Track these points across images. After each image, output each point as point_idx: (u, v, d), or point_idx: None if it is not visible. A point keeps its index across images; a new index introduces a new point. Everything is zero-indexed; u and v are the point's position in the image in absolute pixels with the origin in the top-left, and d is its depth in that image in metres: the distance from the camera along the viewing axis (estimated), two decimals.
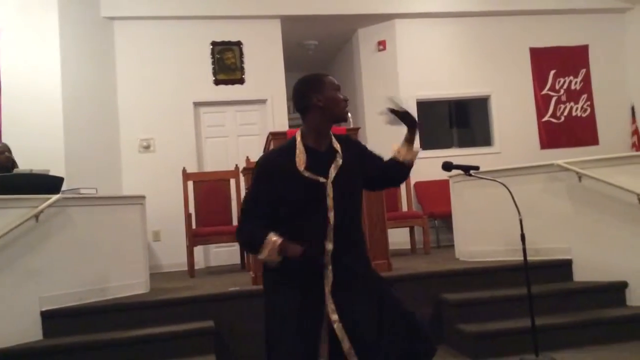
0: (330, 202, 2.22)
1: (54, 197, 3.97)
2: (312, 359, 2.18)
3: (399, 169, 2.48)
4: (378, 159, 2.49)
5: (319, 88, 2.29)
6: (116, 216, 4.51)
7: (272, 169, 2.26)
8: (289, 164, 2.23)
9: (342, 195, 2.25)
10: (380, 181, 2.53)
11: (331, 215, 2.22)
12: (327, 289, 2.20)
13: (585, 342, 3.95)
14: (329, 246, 2.21)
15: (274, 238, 2.16)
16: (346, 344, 2.17)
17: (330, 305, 2.19)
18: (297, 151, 2.26)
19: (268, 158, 2.33)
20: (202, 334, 3.85)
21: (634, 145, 7.94)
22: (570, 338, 3.95)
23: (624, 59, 8.19)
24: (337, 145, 2.33)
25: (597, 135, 8.04)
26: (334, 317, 2.18)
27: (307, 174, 2.22)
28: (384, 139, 8.28)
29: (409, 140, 2.48)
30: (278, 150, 2.34)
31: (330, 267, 2.21)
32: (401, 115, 2.43)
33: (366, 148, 2.48)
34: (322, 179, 2.23)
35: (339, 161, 2.28)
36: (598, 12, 8.07)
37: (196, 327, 3.88)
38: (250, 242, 2.30)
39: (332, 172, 2.26)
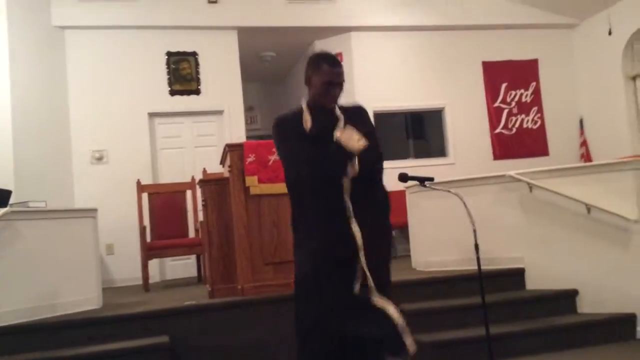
0: (340, 159, 2.38)
1: (1, 210, 3.84)
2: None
3: None
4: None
5: (314, 70, 2.50)
6: (67, 230, 4.37)
7: (285, 129, 2.49)
8: (298, 125, 2.45)
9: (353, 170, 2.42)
10: None
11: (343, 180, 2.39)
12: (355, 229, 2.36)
13: (539, 349, 4.03)
14: (348, 203, 2.38)
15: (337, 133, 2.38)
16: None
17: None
18: (305, 115, 2.48)
19: (282, 120, 2.53)
20: (156, 350, 3.75)
21: (582, 156, 8.22)
22: (524, 345, 4.02)
23: (573, 73, 8.49)
24: (340, 114, 2.52)
25: (547, 146, 8.30)
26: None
27: (315, 135, 2.43)
28: None
29: None
30: (289, 113, 2.55)
31: (354, 225, 2.35)
32: None
33: (372, 133, 2.56)
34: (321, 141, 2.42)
35: (341, 124, 2.47)
36: (548, 27, 8.36)
37: (150, 343, 3.78)
38: (331, 158, 2.41)
39: (336, 134, 2.43)
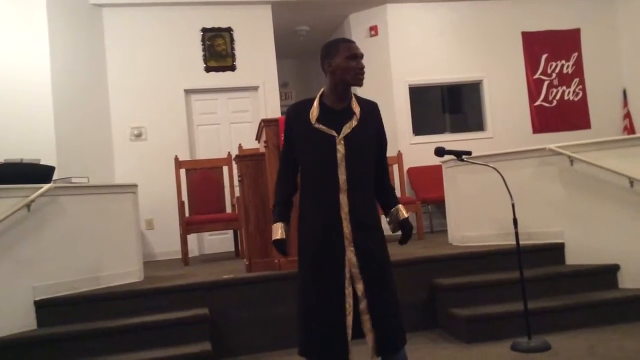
0: (340, 157, 2.34)
1: (46, 186, 3.95)
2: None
3: (381, 194, 2.57)
4: (382, 154, 2.54)
5: (331, 54, 2.42)
6: (108, 205, 4.48)
7: (292, 118, 2.46)
8: (305, 116, 2.41)
9: (353, 153, 2.35)
10: None
11: (341, 170, 2.34)
12: (347, 241, 2.35)
13: (578, 324, 3.98)
14: (344, 200, 2.34)
15: (279, 232, 2.50)
16: (360, 288, 2.36)
17: (350, 251, 2.35)
18: (314, 105, 2.43)
19: (293, 107, 2.51)
20: (197, 322, 3.86)
21: (625, 128, 7.97)
22: (563, 321, 3.98)
23: (616, 42, 8.19)
24: (356, 108, 2.42)
25: (589, 119, 8.06)
26: (353, 260, 2.35)
27: (317, 125, 2.37)
28: None
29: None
30: (304, 101, 2.50)
31: (347, 222, 2.34)
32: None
33: (383, 132, 2.53)
34: (333, 133, 2.35)
35: (354, 122, 2.38)
36: None
37: (191, 315, 3.88)
38: (273, 210, 2.59)
39: (346, 129, 2.36)
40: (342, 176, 2.34)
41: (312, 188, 2.40)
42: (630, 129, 7.91)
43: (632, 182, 4.21)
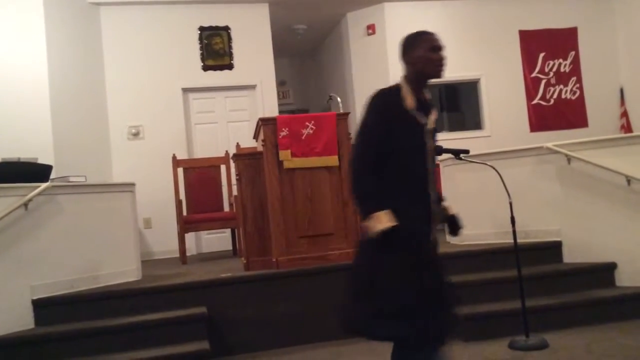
0: (428, 148, 2.35)
1: (43, 185, 3.94)
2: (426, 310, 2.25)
3: None
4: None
5: (412, 46, 2.41)
6: (106, 204, 4.48)
7: (383, 105, 2.34)
8: (398, 103, 2.34)
9: (433, 146, 2.40)
10: None
11: (428, 161, 2.35)
12: (432, 232, 2.37)
13: (576, 322, 3.99)
14: (432, 194, 2.35)
15: (387, 219, 2.21)
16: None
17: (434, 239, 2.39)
18: (404, 92, 2.36)
19: (381, 95, 2.38)
20: (195, 321, 3.86)
21: (622, 127, 7.98)
22: (561, 319, 4.00)
23: (613, 41, 8.20)
24: (429, 95, 2.45)
25: (587, 117, 8.08)
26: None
27: (414, 113, 2.34)
28: None
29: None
30: (388, 90, 2.41)
31: (433, 214, 2.35)
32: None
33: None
34: (425, 121, 2.36)
35: (436, 113, 2.43)
36: None
37: (189, 314, 3.89)
38: (363, 200, 2.31)
39: (431, 120, 2.39)
40: (429, 167, 2.36)
41: (404, 176, 2.33)
42: (627, 127, 7.92)
43: (629, 180, 4.23)
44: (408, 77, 2.41)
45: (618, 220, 4.35)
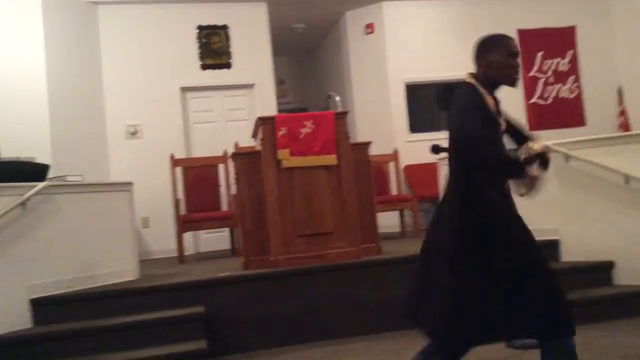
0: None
1: (41, 184, 3.94)
2: None
3: None
4: None
5: (490, 49, 2.40)
6: (104, 203, 4.48)
7: (477, 102, 2.33)
8: (484, 102, 2.34)
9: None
10: None
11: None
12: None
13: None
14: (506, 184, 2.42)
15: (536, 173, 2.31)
16: None
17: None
18: (483, 94, 2.36)
19: (473, 92, 2.37)
20: (193, 320, 3.85)
21: (620, 126, 7.98)
22: None
23: (612, 40, 8.21)
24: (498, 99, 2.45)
25: (585, 116, 8.09)
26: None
27: (495, 114, 2.37)
28: (372, 123, 8.31)
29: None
30: (467, 90, 2.39)
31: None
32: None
33: None
34: (502, 124, 2.41)
35: (504, 115, 2.46)
36: None
37: (186, 313, 3.88)
38: (511, 165, 2.33)
39: (502, 125, 2.42)
40: None
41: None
42: (625, 126, 7.92)
43: (627, 179, 4.23)
44: (480, 79, 2.39)
45: (616, 218, 4.35)
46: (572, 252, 4.55)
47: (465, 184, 2.37)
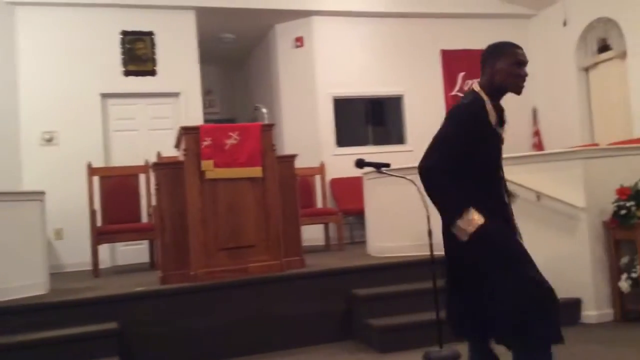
0: (501, 157, 2.47)
1: None
2: None
3: None
4: None
5: (497, 56, 2.40)
6: (13, 213, 4.23)
7: (472, 119, 2.33)
8: (483, 117, 2.36)
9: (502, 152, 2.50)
10: None
11: (501, 170, 2.47)
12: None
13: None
14: (507, 199, 2.49)
15: (476, 217, 2.25)
16: None
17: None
18: (487, 106, 2.38)
19: (470, 109, 2.37)
20: (105, 336, 3.70)
21: (535, 145, 8.39)
22: None
23: (528, 63, 8.59)
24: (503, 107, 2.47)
25: None
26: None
27: (497, 128, 2.41)
28: (299, 136, 8.31)
29: None
30: (473, 101, 2.40)
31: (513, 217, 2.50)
32: None
33: None
34: (502, 133, 2.45)
35: (505, 121, 2.48)
36: (505, 17, 8.46)
37: (98, 330, 3.71)
38: (446, 199, 2.33)
39: (502, 131, 2.46)
40: (502, 174, 2.47)
41: (486, 185, 2.39)
42: (539, 145, 8.33)
43: (538, 196, 4.42)
44: (485, 87, 2.41)
45: (528, 234, 4.49)
46: None
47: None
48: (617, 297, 4.32)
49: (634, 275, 4.19)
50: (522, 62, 2.41)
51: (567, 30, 7.56)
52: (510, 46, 2.44)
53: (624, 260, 4.32)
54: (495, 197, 2.44)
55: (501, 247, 2.36)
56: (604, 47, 7.51)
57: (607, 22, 7.35)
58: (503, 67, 2.38)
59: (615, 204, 4.29)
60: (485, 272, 2.37)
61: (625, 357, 3.63)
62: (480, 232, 2.28)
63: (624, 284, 4.23)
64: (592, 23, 7.52)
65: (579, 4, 7.54)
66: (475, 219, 2.26)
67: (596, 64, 7.63)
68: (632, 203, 4.21)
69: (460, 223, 2.28)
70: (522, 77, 2.41)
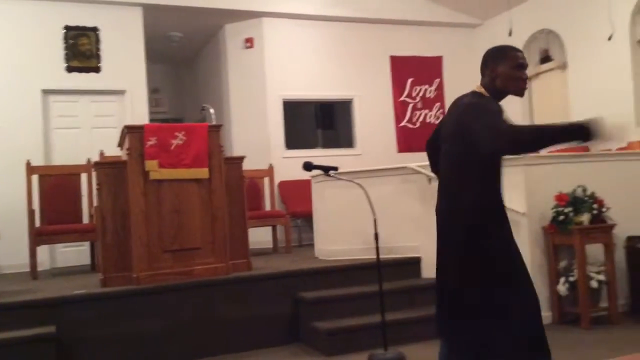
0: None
1: None
2: None
3: None
4: None
5: (497, 59, 2.40)
6: None
7: (500, 109, 2.30)
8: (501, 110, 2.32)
9: None
10: None
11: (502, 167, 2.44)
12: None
13: (432, 335, 4.12)
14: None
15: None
16: None
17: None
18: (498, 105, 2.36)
19: (493, 101, 2.37)
20: (41, 341, 3.55)
21: None
22: (418, 332, 4.14)
23: (474, 71, 8.67)
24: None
25: None
26: None
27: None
28: (248, 138, 8.25)
29: None
30: (487, 98, 2.39)
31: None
32: None
33: None
34: None
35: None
36: (453, 25, 8.67)
37: (34, 334, 3.57)
38: (546, 132, 2.18)
39: None
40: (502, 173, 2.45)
41: (494, 184, 2.42)
42: None
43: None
44: (487, 89, 2.41)
45: None
46: (432, 269, 4.72)
47: (470, 219, 2.39)
48: (555, 300, 4.48)
49: (571, 279, 4.35)
50: (523, 65, 2.46)
51: (512, 40, 7.76)
52: (510, 49, 2.50)
53: (562, 264, 4.48)
54: (502, 201, 2.48)
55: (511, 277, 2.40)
56: (545, 58, 7.79)
57: (549, 34, 7.63)
58: (505, 70, 2.42)
59: (554, 210, 4.44)
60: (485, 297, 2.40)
61: (560, 359, 3.75)
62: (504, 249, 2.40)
63: (562, 288, 4.39)
64: (535, 34, 7.79)
65: (523, 14, 7.79)
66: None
67: (538, 74, 7.90)
68: (569, 209, 4.37)
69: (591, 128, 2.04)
70: (523, 79, 2.46)
